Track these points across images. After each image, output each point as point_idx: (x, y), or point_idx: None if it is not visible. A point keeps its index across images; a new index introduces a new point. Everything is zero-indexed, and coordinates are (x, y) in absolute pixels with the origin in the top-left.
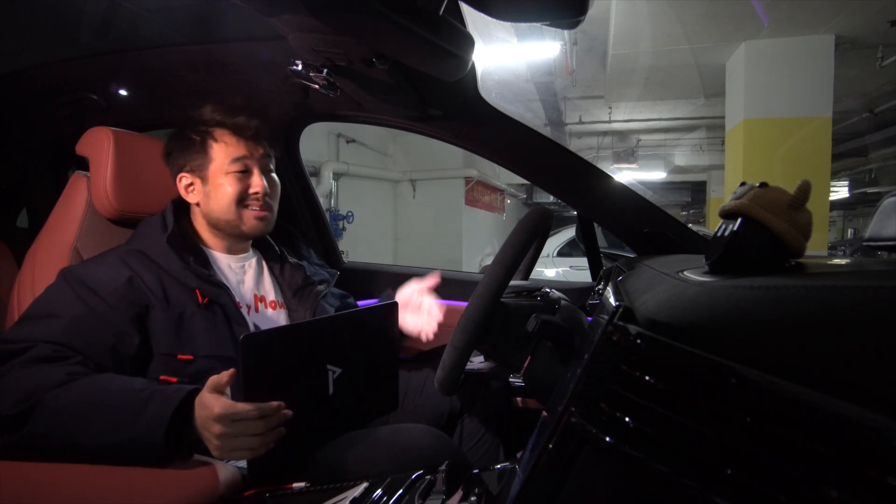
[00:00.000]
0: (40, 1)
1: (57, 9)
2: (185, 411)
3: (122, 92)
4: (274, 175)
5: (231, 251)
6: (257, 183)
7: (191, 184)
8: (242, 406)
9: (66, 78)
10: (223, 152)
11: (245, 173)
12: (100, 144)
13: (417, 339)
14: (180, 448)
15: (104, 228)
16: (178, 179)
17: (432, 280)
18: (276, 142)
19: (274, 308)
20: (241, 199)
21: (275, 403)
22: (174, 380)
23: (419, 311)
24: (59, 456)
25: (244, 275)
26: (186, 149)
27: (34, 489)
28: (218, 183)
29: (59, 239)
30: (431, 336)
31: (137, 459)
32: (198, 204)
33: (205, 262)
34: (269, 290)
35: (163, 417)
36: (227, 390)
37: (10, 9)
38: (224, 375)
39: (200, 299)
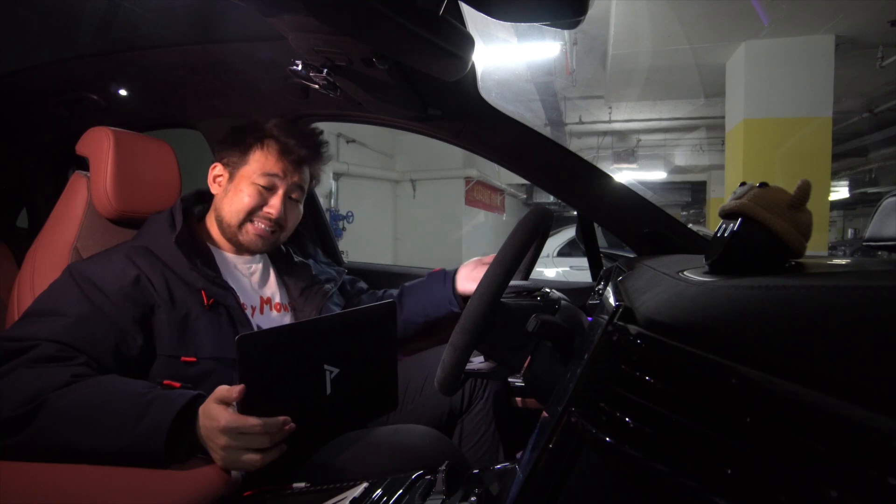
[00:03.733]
0: (40, 1)
1: (57, 9)
2: (187, 417)
3: (122, 92)
4: (300, 207)
5: (239, 252)
6: (274, 204)
7: (220, 175)
8: (249, 420)
9: (66, 78)
10: (260, 161)
11: (269, 190)
12: (100, 144)
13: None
14: (179, 453)
15: (104, 228)
16: (212, 167)
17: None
18: None
19: (279, 311)
20: (252, 213)
21: (280, 419)
22: (177, 384)
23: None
24: (60, 457)
25: (251, 276)
26: (235, 144)
27: (36, 489)
28: (240, 187)
29: (59, 239)
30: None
31: (137, 463)
32: (214, 196)
33: (212, 263)
34: (275, 293)
35: (163, 423)
36: (234, 403)
37: (10, 9)
38: (234, 391)
39: (206, 300)
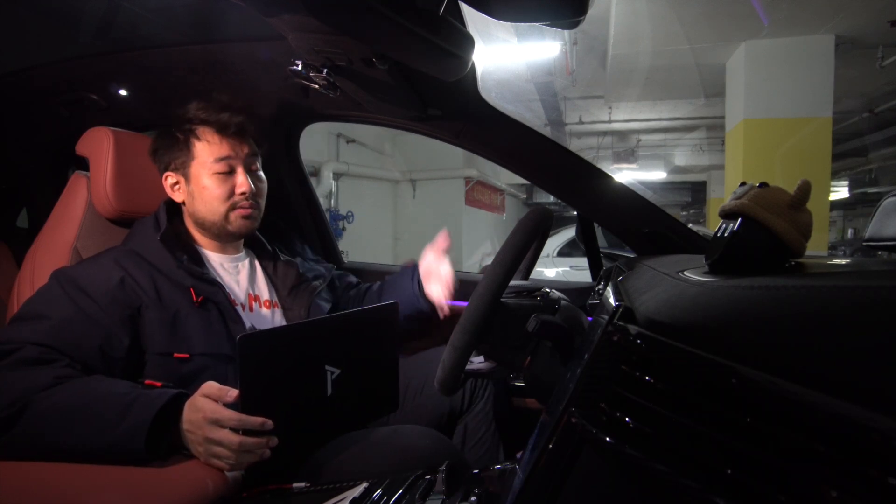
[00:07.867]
0: (40, 1)
1: (57, 9)
2: (168, 415)
3: (122, 92)
4: (260, 173)
5: (223, 251)
6: (242, 182)
7: (176, 182)
8: (226, 412)
9: (66, 78)
10: (206, 151)
11: (229, 174)
12: (100, 144)
13: (419, 339)
14: (160, 451)
15: (104, 228)
16: (164, 178)
17: (443, 241)
18: (275, 142)
19: (268, 307)
20: (227, 200)
21: (258, 420)
22: (158, 384)
23: (440, 279)
24: (45, 457)
25: (238, 274)
26: (170, 147)
27: (37, 489)
28: (202, 184)
29: (59, 239)
30: (447, 311)
31: (120, 461)
32: (183, 203)
33: (198, 260)
34: (263, 290)
35: (144, 422)
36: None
37: (10, 9)
38: (231, 396)
39: (195, 298)
